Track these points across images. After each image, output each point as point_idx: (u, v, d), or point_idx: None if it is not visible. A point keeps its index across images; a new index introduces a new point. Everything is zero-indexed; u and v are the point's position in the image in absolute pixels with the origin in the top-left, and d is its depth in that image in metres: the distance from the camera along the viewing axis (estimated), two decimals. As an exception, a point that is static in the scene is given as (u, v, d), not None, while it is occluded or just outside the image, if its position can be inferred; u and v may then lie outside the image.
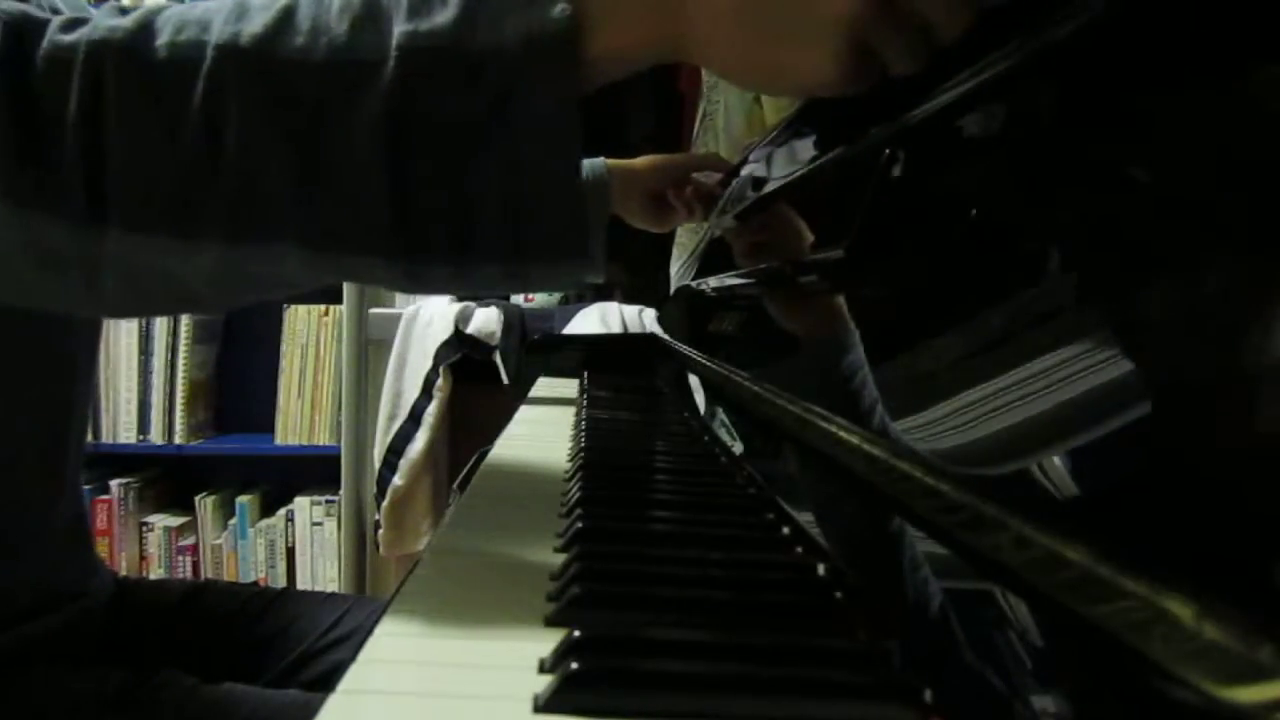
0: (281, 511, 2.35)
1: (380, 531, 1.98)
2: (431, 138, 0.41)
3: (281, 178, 0.41)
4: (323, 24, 0.41)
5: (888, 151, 0.60)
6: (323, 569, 2.40)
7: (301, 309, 2.57)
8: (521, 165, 0.42)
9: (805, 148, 0.85)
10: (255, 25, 0.41)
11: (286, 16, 0.41)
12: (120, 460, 2.31)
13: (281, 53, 0.41)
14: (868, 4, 0.42)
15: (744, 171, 1.08)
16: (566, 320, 2.00)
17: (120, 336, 2.28)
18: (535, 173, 0.42)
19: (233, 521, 2.44)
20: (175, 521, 2.36)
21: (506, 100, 0.41)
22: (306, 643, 0.83)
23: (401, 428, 1.99)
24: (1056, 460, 0.31)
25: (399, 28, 0.41)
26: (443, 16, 0.41)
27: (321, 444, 2.29)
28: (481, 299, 2.01)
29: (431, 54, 0.41)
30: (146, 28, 0.42)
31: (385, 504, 1.95)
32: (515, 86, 0.41)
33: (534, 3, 0.41)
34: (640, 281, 2.36)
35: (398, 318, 2.03)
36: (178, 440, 2.28)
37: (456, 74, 0.41)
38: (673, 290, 1.71)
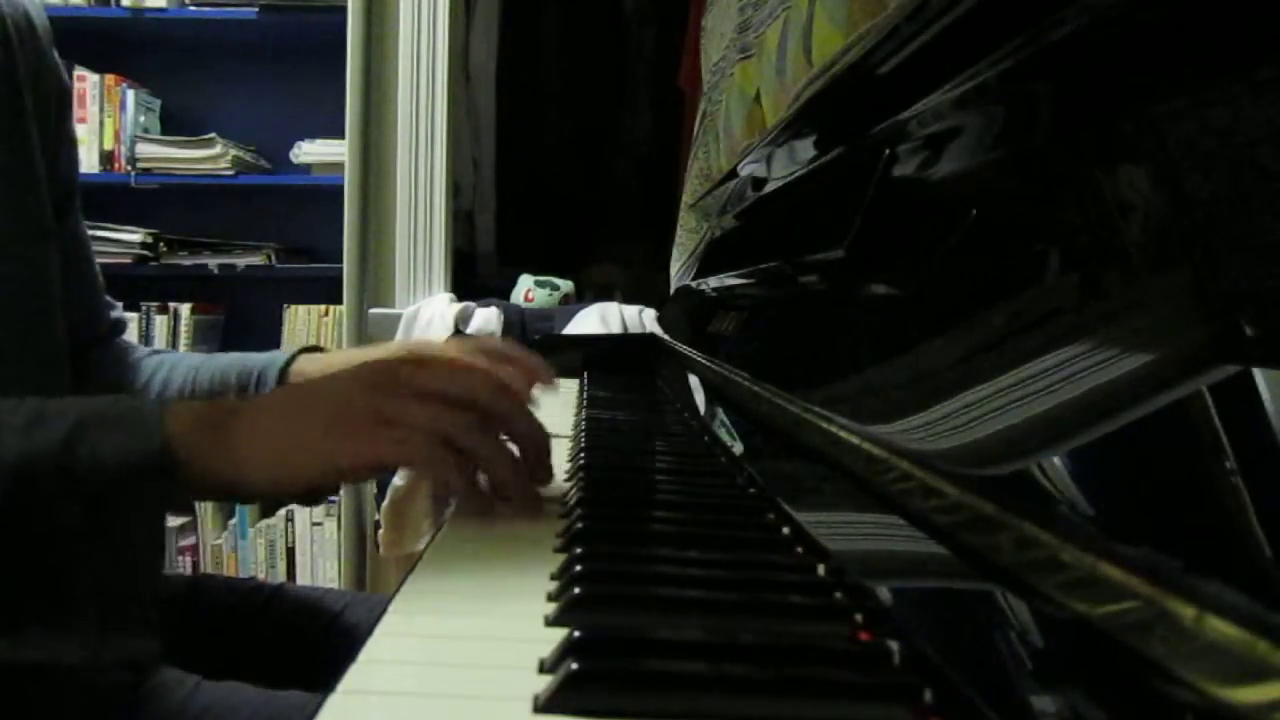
0: (281, 511, 2.35)
1: (380, 531, 1.98)
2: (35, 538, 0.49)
3: None
4: None
5: (888, 151, 0.60)
6: (322, 569, 2.40)
7: (301, 309, 2.57)
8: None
9: (805, 148, 0.85)
10: None
11: None
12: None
13: None
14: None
15: (744, 171, 1.08)
16: (567, 320, 2.00)
17: (120, 336, 2.28)
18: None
19: (233, 521, 2.44)
20: (175, 521, 2.36)
21: (100, 511, 0.49)
22: (308, 639, 0.83)
23: (402, 428, 1.98)
24: (1056, 460, 0.31)
25: (15, 442, 0.49)
26: (51, 435, 0.49)
27: (322, 444, 2.28)
28: (482, 301, 2.01)
29: (39, 467, 0.49)
30: None
31: (385, 504, 1.95)
32: (111, 500, 0.49)
33: (133, 434, 0.50)
34: (640, 281, 2.36)
35: (398, 318, 2.02)
36: (178, 440, 2.27)
37: (61, 485, 0.49)
38: (673, 290, 1.71)
